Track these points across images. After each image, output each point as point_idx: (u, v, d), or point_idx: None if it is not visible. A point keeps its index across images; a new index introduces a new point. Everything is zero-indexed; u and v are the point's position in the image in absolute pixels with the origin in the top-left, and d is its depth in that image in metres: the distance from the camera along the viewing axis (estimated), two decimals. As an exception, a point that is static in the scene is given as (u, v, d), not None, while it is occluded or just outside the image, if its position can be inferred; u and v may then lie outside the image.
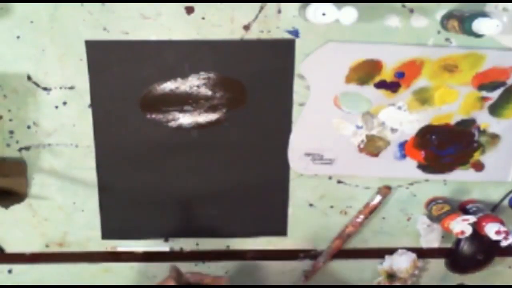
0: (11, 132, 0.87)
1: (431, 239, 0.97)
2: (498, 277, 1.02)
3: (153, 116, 0.87)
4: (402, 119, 0.89)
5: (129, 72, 0.84)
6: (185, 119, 0.88)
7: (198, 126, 0.88)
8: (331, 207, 0.95)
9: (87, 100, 0.86)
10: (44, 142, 0.88)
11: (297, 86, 0.87)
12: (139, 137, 0.88)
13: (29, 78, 0.84)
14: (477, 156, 0.92)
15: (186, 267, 0.97)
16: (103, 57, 0.83)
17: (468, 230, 0.88)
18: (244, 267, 0.99)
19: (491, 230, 0.87)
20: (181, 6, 0.81)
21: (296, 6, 0.81)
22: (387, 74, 0.85)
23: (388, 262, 0.98)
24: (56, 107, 0.86)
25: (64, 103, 0.86)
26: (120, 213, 0.93)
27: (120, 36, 0.82)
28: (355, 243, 0.98)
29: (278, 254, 0.98)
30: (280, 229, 0.96)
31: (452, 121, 0.89)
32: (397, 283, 0.99)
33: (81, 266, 0.96)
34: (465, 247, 0.97)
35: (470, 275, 1.00)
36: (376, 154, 0.91)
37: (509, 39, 0.84)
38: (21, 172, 0.88)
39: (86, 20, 0.81)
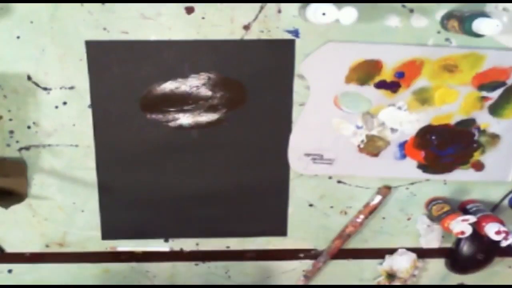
0: (11, 132, 0.87)
1: (431, 239, 0.97)
2: (498, 277, 1.02)
3: (153, 116, 0.87)
4: (402, 119, 0.89)
5: (129, 72, 0.85)
6: (185, 119, 0.88)
7: (198, 126, 0.88)
8: (331, 207, 0.95)
9: (87, 100, 0.86)
10: (44, 142, 0.88)
11: (297, 86, 0.87)
12: (139, 137, 0.88)
13: (29, 78, 0.84)
14: (477, 156, 0.92)
15: (186, 267, 0.98)
16: (103, 57, 0.83)
17: (468, 230, 0.88)
18: (244, 267, 0.99)
19: (491, 230, 0.87)
20: (181, 6, 0.81)
21: (296, 6, 0.81)
22: (387, 74, 0.85)
23: (388, 262, 0.98)
24: (56, 107, 0.86)
25: (64, 103, 0.86)
26: (120, 213, 0.93)
27: (120, 36, 0.82)
28: (355, 243, 0.98)
29: (278, 254, 0.98)
30: (280, 229, 0.96)
31: (452, 121, 0.89)
32: (397, 283, 0.99)
33: (81, 266, 0.96)
34: (465, 247, 0.97)
35: (470, 275, 1.00)
36: (376, 154, 0.91)
37: (509, 39, 0.84)
38: (21, 172, 0.88)
39: (86, 20, 0.81)
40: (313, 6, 0.74)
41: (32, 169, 0.89)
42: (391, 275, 0.99)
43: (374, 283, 1.00)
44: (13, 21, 0.80)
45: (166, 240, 0.96)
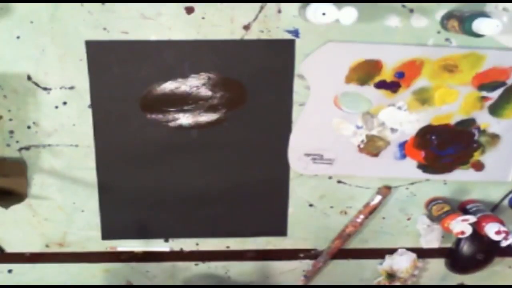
0: (11, 132, 0.87)
1: (431, 239, 0.97)
2: (498, 277, 1.02)
3: (153, 116, 0.87)
4: (402, 119, 0.89)
5: (129, 72, 0.84)
6: (185, 119, 0.88)
7: (198, 126, 0.88)
8: (331, 207, 0.95)
9: (87, 100, 0.86)
10: (44, 142, 0.88)
11: (297, 86, 0.87)
12: (139, 137, 0.88)
13: (29, 78, 0.84)
14: (477, 156, 0.92)
15: (186, 267, 0.98)
16: (103, 57, 0.83)
17: (468, 230, 0.88)
18: (244, 267, 0.99)
19: (491, 230, 0.87)
20: (181, 6, 0.81)
21: (296, 6, 0.81)
22: (387, 74, 0.85)
23: (388, 262, 0.98)
24: (56, 107, 0.86)
25: (64, 103, 0.86)
26: (120, 213, 0.93)
27: (120, 36, 0.82)
28: (355, 243, 0.98)
29: (278, 254, 0.98)
30: (280, 229, 0.96)
31: (452, 121, 0.89)
32: (397, 283, 0.99)
33: (81, 266, 0.96)
34: (465, 247, 0.97)
35: (470, 275, 1.00)
36: (376, 154, 0.91)
37: (509, 39, 0.84)
38: (21, 172, 0.88)
39: (86, 20, 0.81)
40: (313, 6, 0.74)
41: (32, 169, 0.89)
42: (391, 275, 0.99)
43: (374, 283, 1.00)
44: (13, 21, 0.80)
45: (166, 240, 0.96)
